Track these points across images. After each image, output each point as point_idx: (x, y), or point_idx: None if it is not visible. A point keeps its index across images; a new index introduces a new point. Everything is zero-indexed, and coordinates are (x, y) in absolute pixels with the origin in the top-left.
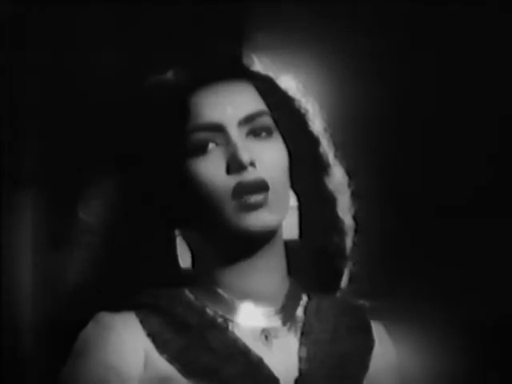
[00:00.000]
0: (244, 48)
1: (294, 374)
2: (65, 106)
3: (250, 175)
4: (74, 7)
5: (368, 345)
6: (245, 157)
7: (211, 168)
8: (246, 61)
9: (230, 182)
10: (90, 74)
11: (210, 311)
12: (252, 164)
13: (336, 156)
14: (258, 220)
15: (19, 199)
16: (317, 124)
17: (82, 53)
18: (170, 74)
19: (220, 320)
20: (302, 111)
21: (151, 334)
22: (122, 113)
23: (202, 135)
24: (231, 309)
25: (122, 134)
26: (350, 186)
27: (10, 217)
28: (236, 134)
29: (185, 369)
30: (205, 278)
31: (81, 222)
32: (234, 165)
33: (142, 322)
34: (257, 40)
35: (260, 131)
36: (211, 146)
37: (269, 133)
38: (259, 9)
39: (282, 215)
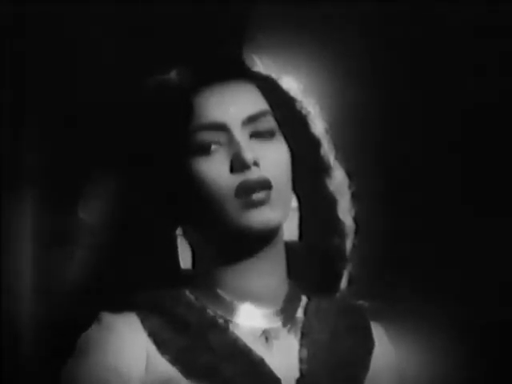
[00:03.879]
0: (246, 49)
1: (295, 374)
2: (66, 105)
3: (253, 174)
4: (74, 7)
5: (368, 345)
6: (248, 156)
7: (214, 167)
8: (247, 61)
9: (234, 181)
10: (91, 74)
11: (210, 312)
12: (255, 163)
13: (337, 157)
14: (259, 217)
15: (19, 199)
16: (318, 125)
17: (83, 52)
18: (173, 74)
19: (220, 320)
20: (304, 112)
21: (152, 334)
22: (125, 112)
23: (205, 135)
24: (231, 310)
25: (125, 133)
26: (350, 187)
27: (10, 216)
28: (239, 134)
29: (186, 369)
30: (205, 278)
31: (81, 222)
32: (238, 164)
33: (142, 322)
34: (259, 41)
35: (263, 132)
36: (214, 145)
37: (272, 133)
38: (261, 10)
39: (284, 214)
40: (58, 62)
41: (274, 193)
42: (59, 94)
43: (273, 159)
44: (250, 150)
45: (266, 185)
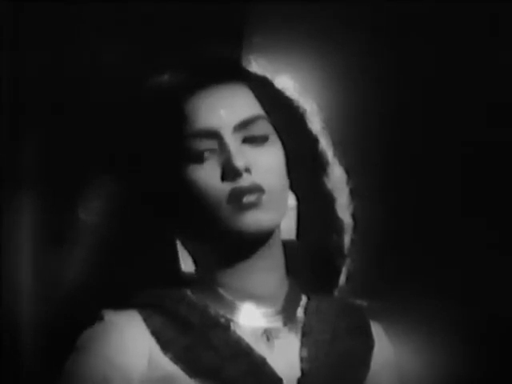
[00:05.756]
0: (241, 49)
1: (296, 374)
2: (64, 106)
3: (245, 181)
4: (73, 7)
5: (368, 345)
6: (239, 163)
7: (207, 175)
8: (242, 62)
9: (226, 188)
10: (89, 75)
11: (212, 311)
12: (247, 170)
13: (335, 154)
14: (252, 220)
15: (19, 199)
16: (315, 123)
17: (81, 53)
18: (166, 77)
19: (222, 320)
20: (300, 110)
21: (155, 333)
22: (121, 114)
23: (197, 142)
24: (232, 309)
25: (121, 136)
26: (348, 184)
27: (10, 217)
28: (231, 140)
29: (189, 368)
30: (206, 278)
31: (81, 223)
32: (229, 171)
33: (145, 320)
34: (254, 41)
35: (256, 137)
36: (207, 152)
37: (265, 138)
38: (257, 10)
39: (278, 216)
40: (57, 63)
41: (266, 196)
42: (58, 94)
43: (265, 164)
44: (242, 156)
45: (257, 189)
